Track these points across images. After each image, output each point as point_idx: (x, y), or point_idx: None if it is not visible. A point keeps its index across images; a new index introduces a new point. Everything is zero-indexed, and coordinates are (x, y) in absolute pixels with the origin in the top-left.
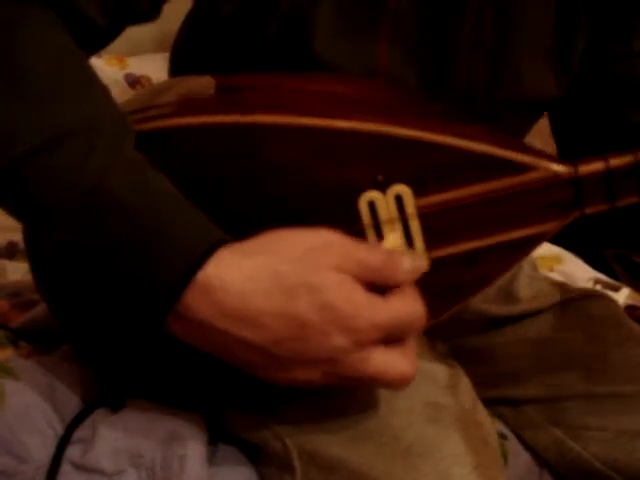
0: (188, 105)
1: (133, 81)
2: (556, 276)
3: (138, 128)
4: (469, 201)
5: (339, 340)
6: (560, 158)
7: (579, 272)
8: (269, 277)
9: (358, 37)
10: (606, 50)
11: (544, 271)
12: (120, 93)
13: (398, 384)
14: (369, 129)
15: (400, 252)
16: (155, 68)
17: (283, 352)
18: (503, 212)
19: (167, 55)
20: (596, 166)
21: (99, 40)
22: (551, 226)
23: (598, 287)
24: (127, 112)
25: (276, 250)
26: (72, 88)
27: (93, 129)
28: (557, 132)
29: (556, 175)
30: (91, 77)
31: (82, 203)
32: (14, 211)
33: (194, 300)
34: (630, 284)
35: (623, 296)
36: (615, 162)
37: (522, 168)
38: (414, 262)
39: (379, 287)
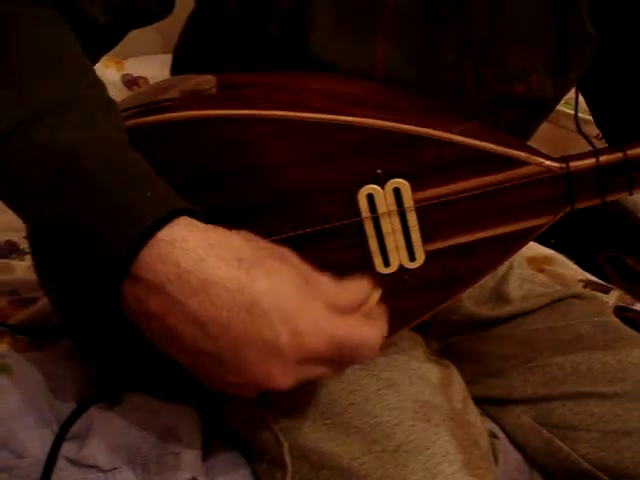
0: (191, 100)
1: (130, 82)
2: (547, 277)
3: (140, 121)
4: (465, 195)
5: (286, 338)
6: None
7: (570, 274)
8: (230, 248)
9: (356, 35)
10: (631, 38)
11: (535, 272)
12: (117, 94)
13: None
14: (369, 124)
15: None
16: (152, 69)
17: (227, 340)
18: (498, 206)
19: (164, 57)
20: (586, 162)
21: (104, 41)
22: (543, 220)
23: (588, 289)
24: (128, 107)
25: (239, 234)
26: (56, 71)
27: (70, 107)
28: (599, 119)
29: (548, 170)
30: (77, 63)
31: (55, 176)
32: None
33: (152, 258)
34: (621, 286)
35: (613, 298)
36: (605, 158)
37: (516, 162)
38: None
39: None
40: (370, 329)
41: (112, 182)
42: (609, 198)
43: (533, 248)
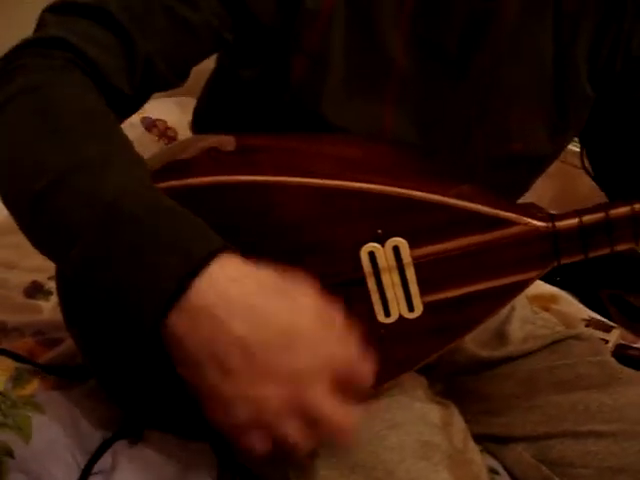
0: (209, 165)
1: (149, 125)
2: (551, 316)
3: (164, 186)
4: (459, 252)
5: (315, 360)
6: (545, 214)
7: (574, 312)
8: (270, 280)
9: (365, 101)
10: (630, 99)
11: (539, 310)
12: (137, 137)
13: (341, 436)
14: (371, 190)
15: None
16: (170, 112)
17: (265, 358)
18: (489, 262)
19: (183, 99)
20: (571, 222)
21: (128, 106)
22: (531, 274)
23: (590, 328)
24: (153, 170)
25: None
26: (94, 129)
27: (110, 160)
28: (605, 184)
29: (535, 229)
30: (110, 122)
31: (102, 218)
32: (43, 237)
33: (204, 288)
34: (623, 324)
35: (614, 336)
36: (587, 219)
37: (505, 223)
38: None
39: None
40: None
41: (161, 221)
42: (591, 255)
43: (538, 286)
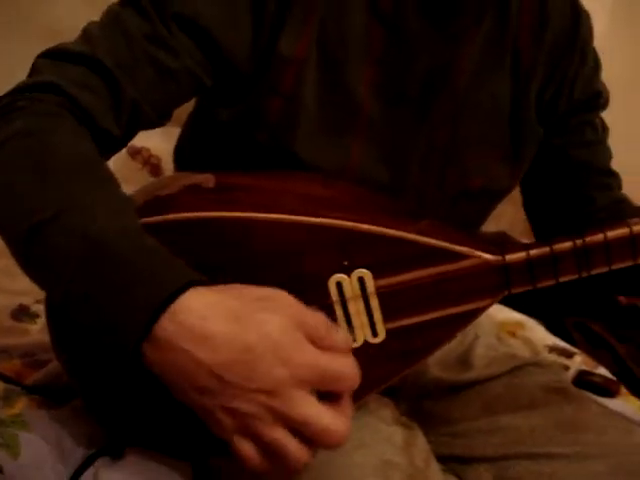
0: (189, 201)
1: (134, 152)
2: (516, 341)
3: (145, 221)
4: (419, 282)
5: (279, 371)
6: (493, 247)
7: (538, 338)
8: (226, 307)
9: (335, 141)
10: (562, 141)
11: (505, 336)
12: (121, 164)
13: (328, 438)
14: (338, 225)
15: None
16: (154, 140)
17: (231, 376)
18: (446, 291)
19: (166, 129)
20: (519, 255)
21: (116, 145)
22: (485, 303)
23: (553, 354)
24: (136, 206)
25: (235, 291)
26: (86, 173)
27: (99, 201)
28: (532, 216)
29: (487, 262)
30: (102, 167)
31: (87, 256)
32: (35, 270)
33: (167, 323)
34: (586, 350)
35: (576, 362)
36: (534, 252)
37: (458, 256)
38: (345, 336)
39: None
40: (347, 361)
41: (139, 260)
42: (539, 285)
43: (506, 312)
